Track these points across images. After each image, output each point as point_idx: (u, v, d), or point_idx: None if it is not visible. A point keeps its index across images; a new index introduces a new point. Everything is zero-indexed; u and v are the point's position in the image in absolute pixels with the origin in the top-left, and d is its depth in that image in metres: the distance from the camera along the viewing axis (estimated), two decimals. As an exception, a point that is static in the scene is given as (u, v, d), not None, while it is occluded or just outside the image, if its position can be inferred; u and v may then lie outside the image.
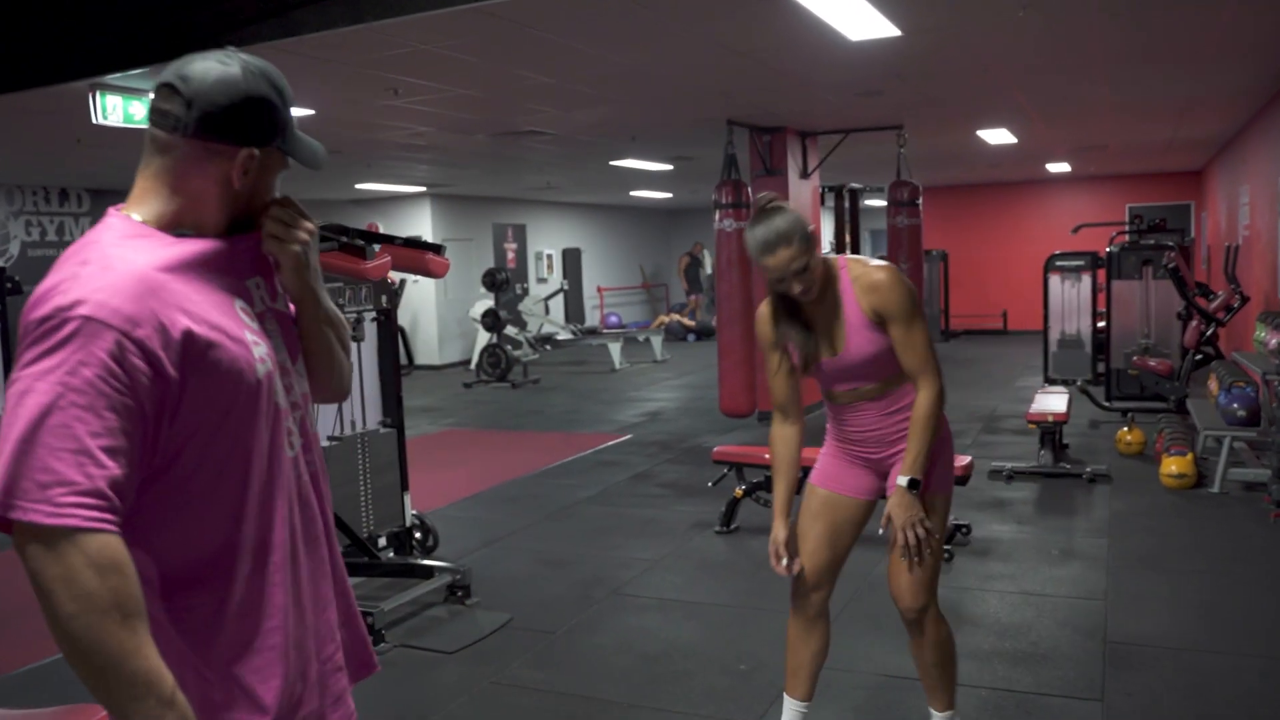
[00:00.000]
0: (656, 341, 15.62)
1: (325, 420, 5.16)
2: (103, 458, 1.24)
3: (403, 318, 15.39)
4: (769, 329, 2.92)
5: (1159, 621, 4.27)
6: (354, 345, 5.33)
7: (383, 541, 5.45)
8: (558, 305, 17.87)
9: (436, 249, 4.71)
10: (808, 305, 2.83)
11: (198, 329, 1.34)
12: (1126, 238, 13.56)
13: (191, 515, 1.37)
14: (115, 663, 1.22)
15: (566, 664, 4.11)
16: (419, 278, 15.56)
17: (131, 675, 1.23)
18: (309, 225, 1.54)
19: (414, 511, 5.65)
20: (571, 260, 19.17)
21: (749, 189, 8.58)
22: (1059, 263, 11.29)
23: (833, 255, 2.86)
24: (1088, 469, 6.76)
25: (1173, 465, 6.45)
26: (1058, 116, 9.58)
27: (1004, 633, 4.20)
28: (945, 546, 5.13)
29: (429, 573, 4.90)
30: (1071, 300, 11.28)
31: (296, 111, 6.94)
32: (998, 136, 10.70)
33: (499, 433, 9.73)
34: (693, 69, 6.62)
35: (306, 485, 1.52)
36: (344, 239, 4.29)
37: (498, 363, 13.36)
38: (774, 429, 3.01)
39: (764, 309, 2.92)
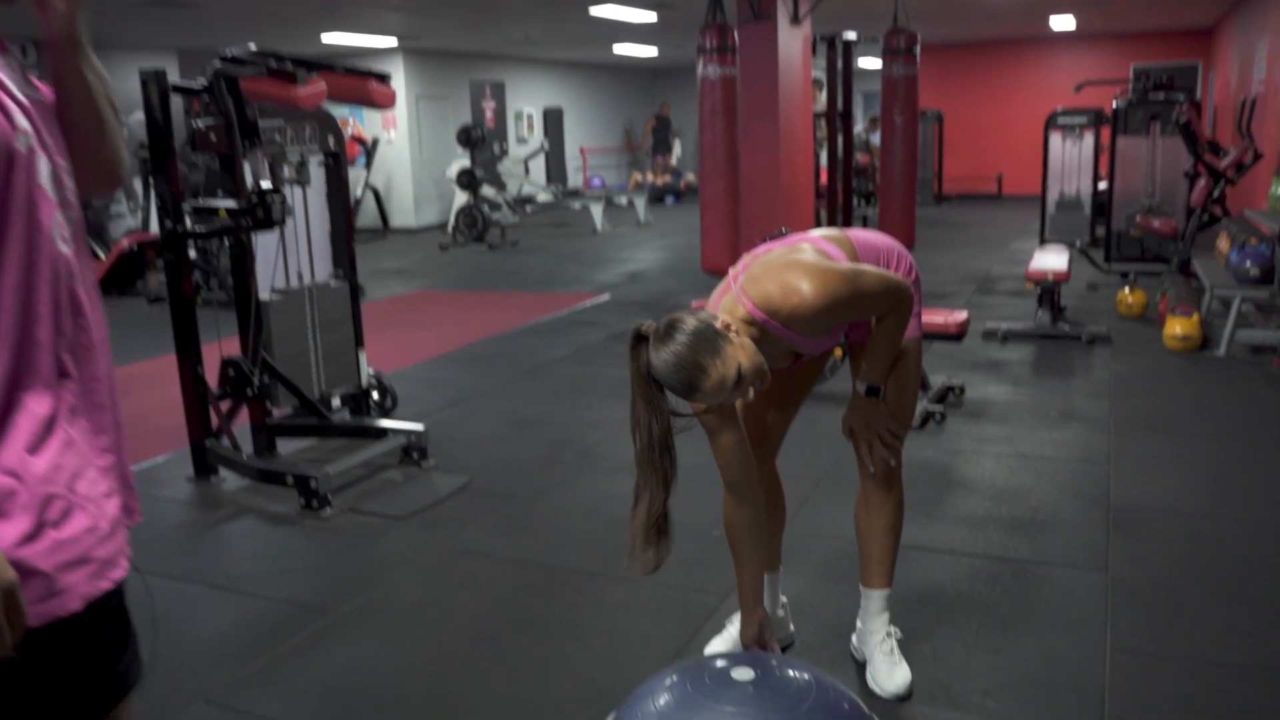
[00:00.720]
0: (640, 203, 15.09)
1: (267, 270, 4.75)
2: None
3: (377, 179, 14.84)
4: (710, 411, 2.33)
5: (1165, 487, 3.97)
6: (299, 191, 4.89)
7: (337, 402, 5.11)
8: (538, 166, 17.28)
9: (380, 77, 4.23)
10: None
11: None
12: (1129, 94, 12.99)
13: None
14: None
15: (526, 530, 3.80)
16: (391, 137, 15.00)
17: None
18: None
19: (371, 371, 5.30)
20: (553, 120, 18.46)
21: (735, 33, 7.99)
22: (1061, 120, 10.78)
23: (740, 308, 2.27)
24: (1087, 330, 6.42)
25: (1177, 326, 6.10)
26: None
27: (1000, 497, 3.90)
28: (937, 406, 4.82)
29: (382, 433, 4.57)
30: (1072, 160, 10.81)
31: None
32: (1002, -18, 10.04)
33: (473, 293, 9.33)
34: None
35: (79, 294, 1.30)
36: (272, 62, 3.81)
37: (474, 224, 12.86)
38: (730, 513, 2.46)
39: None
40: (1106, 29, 15.87)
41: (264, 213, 4.18)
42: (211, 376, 4.49)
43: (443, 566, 3.50)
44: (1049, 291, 6.50)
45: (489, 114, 16.56)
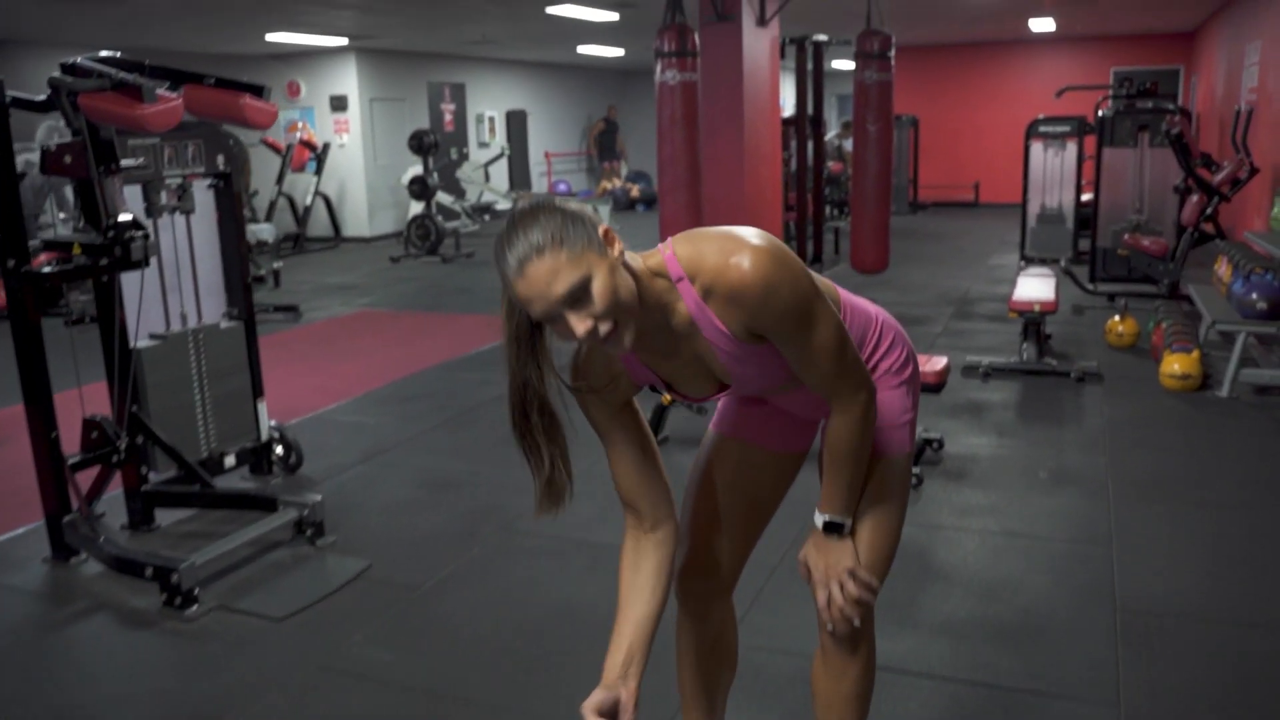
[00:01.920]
0: (604, 211, 14.46)
1: (143, 312, 4.10)
2: None
3: (328, 186, 14.17)
4: (595, 391, 1.80)
5: (1180, 578, 3.39)
6: (182, 218, 4.25)
7: (232, 460, 4.47)
8: (500, 171, 16.62)
9: (257, 90, 3.60)
10: (647, 346, 1.72)
11: None
12: (1111, 103, 12.51)
13: None
14: None
15: (423, 637, 3.18)
16: (344, 141, 14.31)
17: None
18: None
19: (273, 423, 4.66)
20: (516, 123, 17.80)
21: (695, 36, 7.39)
22: (1043, 128, 10.24)
23: (657, 255, 1.68)
24: (1076, 366, 5.85)
25: (1176, 364, 5.55)
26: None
27: (986, 593, 3.31)
28: (914, 469, 4.23)
29: (271, 505, 3.93)
30: (1054, 170, 10.28)
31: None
32: (981, -17, 9.48)
33: (416, 314, 8.68)
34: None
35: None
36: (117, 74, 3.17)
37: (427, 235, 12.20)
38: (627, 541, 1.90)
39: (585, 366, 1.80)
40: (1086, 32, 15.39)
41: (122, 251, 3.55)
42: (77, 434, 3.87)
43: (312, 693, 2.87)
44: (1034, 323, 5.94)
45: (448, 117, 15.89)
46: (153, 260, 4.08)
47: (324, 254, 13.16)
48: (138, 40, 12.01)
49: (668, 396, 1.92)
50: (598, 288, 1.52)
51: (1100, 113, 9.12)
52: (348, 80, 14.08)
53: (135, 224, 3.58)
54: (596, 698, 1.76)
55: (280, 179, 13.28)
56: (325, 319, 8.54)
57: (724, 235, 1.65)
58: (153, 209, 4.04)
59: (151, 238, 3.63)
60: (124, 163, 3.65)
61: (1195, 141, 8.14)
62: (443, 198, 13.12)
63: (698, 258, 1.64)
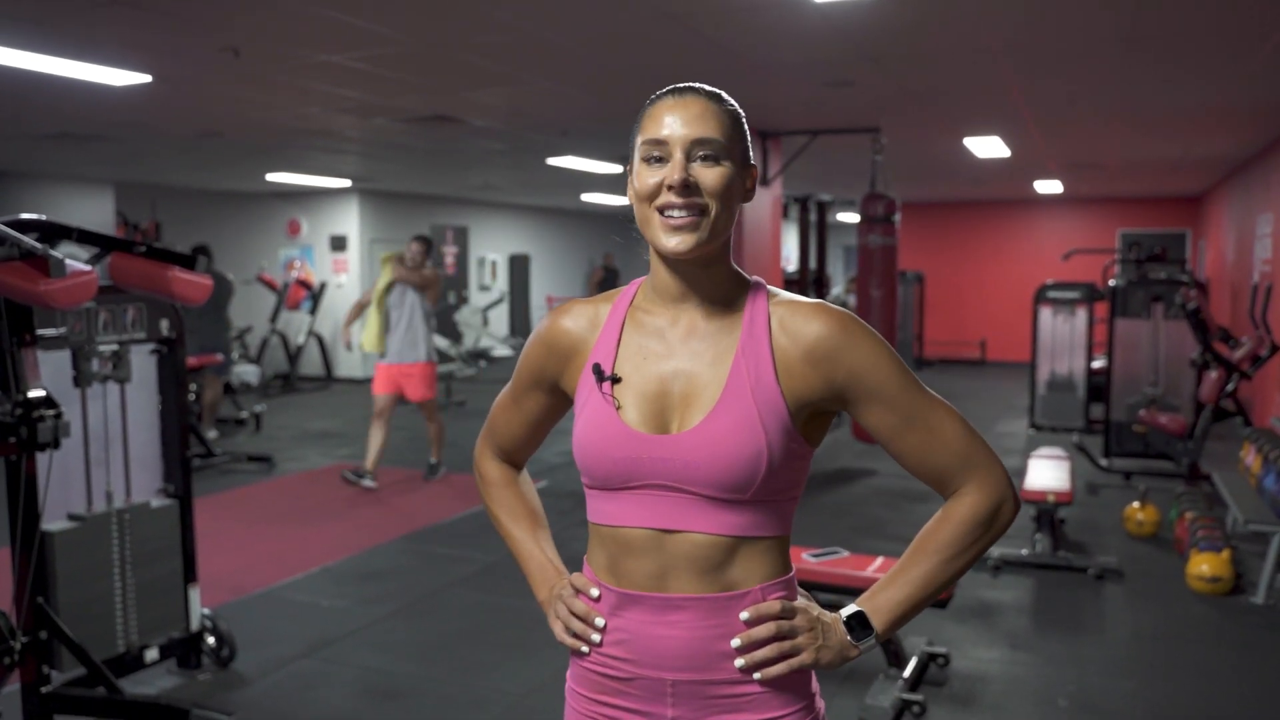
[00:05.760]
0: (603, 361, 14.18)
1: (64, 488, 3.70)
2: None
3: (323, 325, 13.97)
4: (556, 340, 1.57)
5: None
6: (117, 387, 3.89)
7: (155, 654, 4.00)
8: (500, 316, 16.42)
9: (188, 261, 3.27)
10: (664, 303, 1.51)
11: None
12: (1118, 267, 12.33)
13: None
14: None
15: None
16: (342, 281, 14.15)
17: None
18: None
19: (205, 611, 4.20)
20: (519, 267, 17.72)
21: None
22: (1051, 294, 9.98)
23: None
24: (1094, 563, 5.38)
25: (1204, 565, 5.09)
26: (1057, 124, 8.23)
27: None
28: (914, 696, 3.74)
29: (182, 717, 3.45)
30: (1063, 336, 9.98)
31: (126, 76, 5.24)
32: (988, 147, 9.36)
33: (394, 470, 8.25)
34: (613, 38, 5.20)
35: None
36: (26, 243, 2.84)
37: (417, 381, 11.85)
38: (483, 465, 1.75)
39: (561, 314, 1.60)
40: (1093, 194, 15.37)
41: (29, 432, 3.18)
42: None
43: None
44: (1048, 513, 5.50)
45: (450, 259, 15.79)
46: (76, 433, 3.74)
47: (313, 395, 12.84)
48: (138, 176, 11.96)
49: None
50: (723, 170, 1.41)
51: (1112, 282, 8.85)
52: (349, 220, 14.00)
53: (47, 401, 3.21)
54: (571, 588, 1.57)
55: (274, 317, 13.08)
56: (299, 471, 8.12)
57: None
58: (82, 378, 3.69)
59: (65, 416, 3.25)
60: (42, 332, 3.32)
61: (1212, 316, 7.83)
62: (438, 341, 12.86)
63: (785, 292, 1.51)
